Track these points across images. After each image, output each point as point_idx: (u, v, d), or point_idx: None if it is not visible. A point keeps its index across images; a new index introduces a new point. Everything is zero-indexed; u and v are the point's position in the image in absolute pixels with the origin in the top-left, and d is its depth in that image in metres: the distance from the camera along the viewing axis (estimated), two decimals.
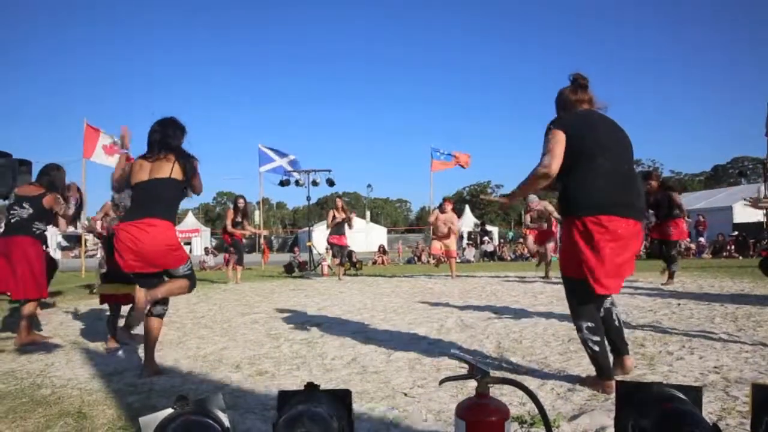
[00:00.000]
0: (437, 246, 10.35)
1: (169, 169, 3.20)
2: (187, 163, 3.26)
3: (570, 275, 2.73)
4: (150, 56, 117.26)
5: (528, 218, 9.81)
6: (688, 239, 17.38)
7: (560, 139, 2.63)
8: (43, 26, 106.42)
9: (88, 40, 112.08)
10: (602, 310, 2.71)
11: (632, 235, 2.61)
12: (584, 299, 2.67)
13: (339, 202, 11.00)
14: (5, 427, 2.34)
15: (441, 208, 10.51)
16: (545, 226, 9.55)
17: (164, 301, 3.29)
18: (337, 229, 10.74)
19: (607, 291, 2.60)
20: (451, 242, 10.42)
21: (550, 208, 9.43)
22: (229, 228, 10.09)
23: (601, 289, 2.57)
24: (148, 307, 3.21)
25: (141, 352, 3.65)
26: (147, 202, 3.19)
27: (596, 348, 2.62)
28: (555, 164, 2.62)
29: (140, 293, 3.16)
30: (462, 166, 17.70)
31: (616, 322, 2.73)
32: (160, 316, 3.30)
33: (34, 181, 4.72)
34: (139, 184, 3.23)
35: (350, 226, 10.91)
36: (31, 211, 4.44)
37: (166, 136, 3.29)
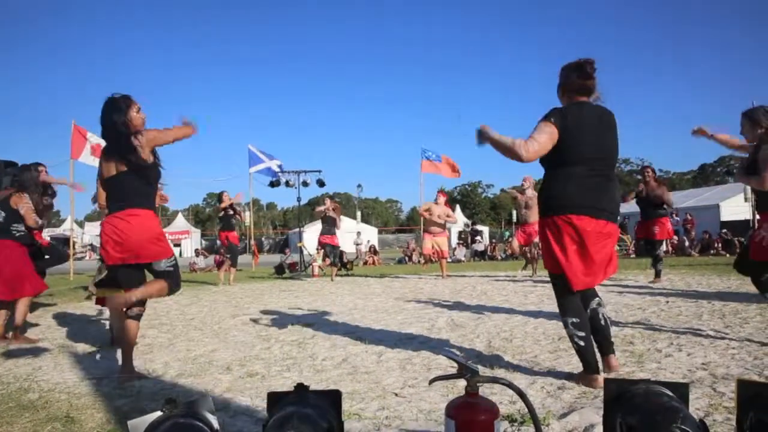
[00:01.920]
0: (429, 246, 10.25)
1: (122, 162, 3.10)
2: (122, 155, 3.08)
3: (550, 270, 2.83)
4: (138, 56, 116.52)
5: (522, 203, 9.58)
6: (675, 237, 17.56)
7: (552, 134, 2.66)
8: (30, 27, 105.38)
9: (73, 41, 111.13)
10: (589, 310, 2.75)
11: (604, 234, 2.68)
12: (567, 294, 2.75)
13: (327, 202, 10.97)
14: None
15: (435, 201, 10.38)
16: (534, 217, 9.45)
17: (141, 303, 3.22)
18: (327, 228, 10.71)
19: (580, 286, 2.69)
20: (443, 242, 10.40)
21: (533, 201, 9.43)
22: (224, 203, 9.99)
23: (576, 285, 2.68)
24: (124, 309, 3.19)
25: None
26: (122, 195, 3.14)
27: (582, 343, 2.68)
28: (533, 155, 2.65)
29: (117, 298, 3.13)
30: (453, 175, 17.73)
31: (602, 322, 2.76)
32: (137, 318, 3.24)
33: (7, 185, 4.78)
34: (109, 179, 3.17)
35: (337, 226, 10.87)
36: (4, 214, 4.49)
37: (102, 126, 3.14)
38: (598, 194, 2.68)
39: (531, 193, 9.47)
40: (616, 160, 2.81)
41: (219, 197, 10.36)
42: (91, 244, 35.63)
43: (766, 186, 3.37)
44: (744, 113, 3.74)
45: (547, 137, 2.65)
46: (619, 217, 2.84)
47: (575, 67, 2.77)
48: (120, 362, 3.25)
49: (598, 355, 2.73)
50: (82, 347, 4.26)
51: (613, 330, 2.86)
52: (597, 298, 2.80)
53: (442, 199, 10.41)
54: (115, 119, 3.08)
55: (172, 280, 3.25)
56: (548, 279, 2.92)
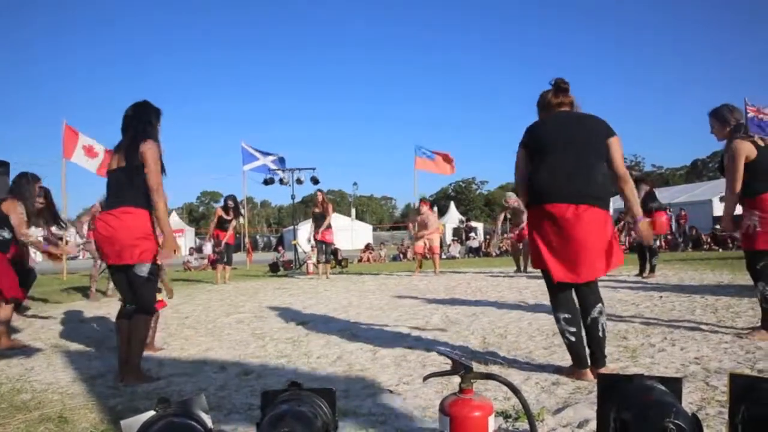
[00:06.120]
0: (420, 244, 10.45)
1: (125, 157, 3.08)
2: (128, 150, 3.07)
3: (534, 265, 2.89)
4: (130, 54, 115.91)
5: (501, 217, 10.64)
6: (668, 232, 17.64)
7: (523, 155, 2.90)
8: (21, 27, 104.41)
9: (67, 39, 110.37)
10: (589, 318, 2.70)
11: (587, 220, 2.61)
12: (557, 289, 2.77)
13: (319, 196, 10.85)
14: None
15: (417, 210, 10.79)
16: (523, 223, 9.70)
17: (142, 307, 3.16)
18: (317, 224, 10.65)
19: (561, 278, 2.68)
20: (434, 239, 10.48)
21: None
22: (211, 230, 10.32)
23: (556, 276, 2.68)
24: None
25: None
26: (118, 191, 3.10)
27: (572, 338, 2.71)
28: (521, 181, 2.91)
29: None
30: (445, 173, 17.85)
31: (600, 333, 2.69)
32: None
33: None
34: (109, 173, 3.16)
35: (325, 217, 10.68)
36: None
37: (125, 121, 3.19)
38: (575, 179, 2.64)
39: (513, 201, 9.98)
40: (596, 146, 2.72)
41: (225, 201, 10.31)
42: (85, 243, 35.35)
43: (734, 188, 3.42)
44: (710, 113, 3.76)
45: (522, 161, 2.91)
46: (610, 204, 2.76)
47: (551, 88, 2.90)
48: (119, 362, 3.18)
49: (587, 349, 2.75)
50: (75, 347, 4.24)
51: (608, 324, 2.85)
52: (599, 306, 2.71)
53: (424, 208, 10.67)
54: (151, 119, 3.19)
55: (148, 294, 3.15)
56: (542, 275, 2.92)
